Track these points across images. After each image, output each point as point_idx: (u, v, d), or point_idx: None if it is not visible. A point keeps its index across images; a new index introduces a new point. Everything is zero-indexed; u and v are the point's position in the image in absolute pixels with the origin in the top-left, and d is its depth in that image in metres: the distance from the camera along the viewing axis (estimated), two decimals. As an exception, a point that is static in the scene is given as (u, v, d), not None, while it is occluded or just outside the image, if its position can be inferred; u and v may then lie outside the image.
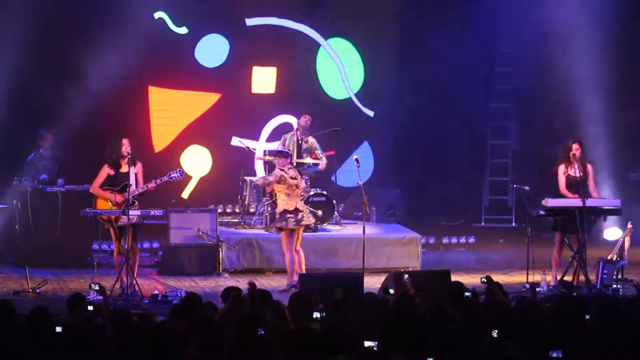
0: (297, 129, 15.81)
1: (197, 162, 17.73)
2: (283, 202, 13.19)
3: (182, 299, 9.12)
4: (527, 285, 10.95)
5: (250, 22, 17.79)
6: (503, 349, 7.36)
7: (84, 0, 16.59)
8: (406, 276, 10.95)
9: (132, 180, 12.85)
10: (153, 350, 7.37)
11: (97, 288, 10.29)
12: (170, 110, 17.69)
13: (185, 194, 17.53)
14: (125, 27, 16.81)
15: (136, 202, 12.86)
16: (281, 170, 13.23)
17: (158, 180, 12.91)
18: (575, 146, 13.48)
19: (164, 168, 15.40)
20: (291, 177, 13.26)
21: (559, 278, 13.26)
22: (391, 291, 10.20)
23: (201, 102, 17.77)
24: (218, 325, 8.01)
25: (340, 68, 18.29)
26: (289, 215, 13.16)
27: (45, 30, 16.38)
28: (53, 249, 14.76)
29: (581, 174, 13.42)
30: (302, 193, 13.74)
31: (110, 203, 12.85)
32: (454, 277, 12.57)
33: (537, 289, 12.79)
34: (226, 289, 9.36)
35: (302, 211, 13.25)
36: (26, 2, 16.36)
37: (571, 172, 13.44)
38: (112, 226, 12.82)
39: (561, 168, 13.49)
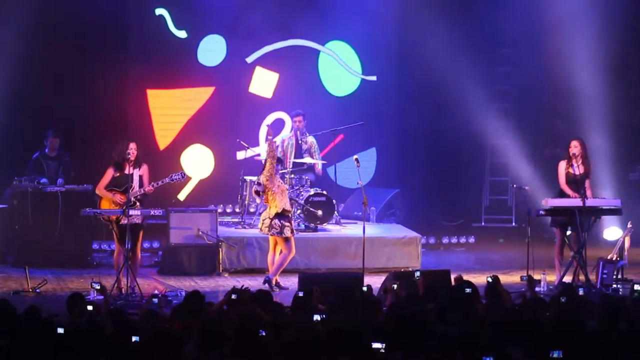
0: (295, 130, 15.81)
1: (198, 163, 17.73)
2: (281, 205, 13.17)
3: (185, 297, 9.09)
4: (525, 278, 10.94)
5: (250, 59, 17.82)
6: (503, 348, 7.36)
7: (85, 1, 16.58)
8: (417, 273, 10.91)
9: (135, 182, 12.88)
10: (153, 350, 7.37)
11: (98, 287, 10.30)
12: (170, 108, 17.71)
13: (182, 196, 17.49)
14: (125, 27, 16.83)
15: (137, 203, 12.88)
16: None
17: (155, 184, 12.95)
18: (574, 143, 13.56)
19: (169, 166, 15.44)
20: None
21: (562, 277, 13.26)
22: (395, 286, 10.18)
23: (197, 96, 17.77)
24: (218, 325, 8.02)
25: (340, 62, 18.29)
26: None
27: (46, 30, 16.41)
28: (53, 249, 14.75)
29: (581, 172, 13.46)
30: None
31: (113, 203, 12.88)
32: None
33: (537, 289, 12.81)
34: (232, 289, 9.39)
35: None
36: (27, 3, 16.37)
37: (571, 170, 13.50)
38: (113, 226, 12.84)
39: (562, 164, 13.61)
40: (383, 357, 7.15)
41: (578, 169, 13.47)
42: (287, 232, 13.19)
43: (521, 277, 11.17)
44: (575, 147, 13.53)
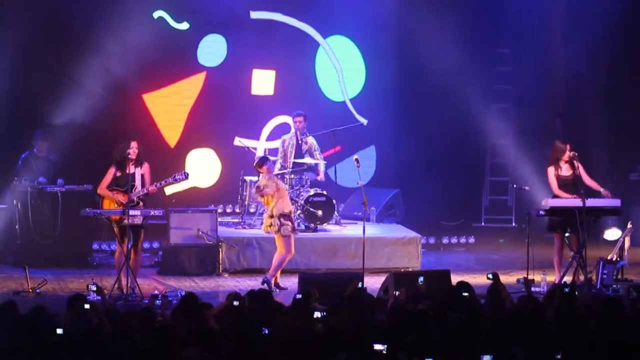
0: (296, 130, 15.82)
1: (203, 168, 17.67)
2: (279, 206, 13.18)
3: (181, 299, 9.10)
4: (522, 280, 10.91)
5: (254, 15, 17.80)
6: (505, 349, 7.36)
7: (82, 1, 16.58)
8: (421, 279, 10.86)
9: (137, 181, 12.89)
10: (152, 350, 7.37)
11: (94, 288, 10.29)
12: (173, 111, 17.70)
13: (168, 191, 17.29)
14: (123, 28, 16.82)
15: (141, 203, 12.89)
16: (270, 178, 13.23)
17: (158, 184, 12.97)
18: (568, 147, 13.47)
19: (181, 165, 15.34)
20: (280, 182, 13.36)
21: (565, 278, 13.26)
22: (397, 293, 10.16)
23: (192, 84, 17.74)
24: (216, 326, 8.02)
25: (339, 71, 18.30)
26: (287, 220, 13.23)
27: (44, 30, 16.40)
28: (53, 249, 14.75)
29: (571, 173, 13.43)
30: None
31: (115, 203, 12.88)
32: (454, 277, 12.58)
33: (537, 289, 12.81)
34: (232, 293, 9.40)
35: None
36: (23, 3, 16.36)
37: (561, 172, 13.46)
38: (114, 226, 12.85)
39: (551, 170, 13.49)
40: (385, 357, 7.16)
41: (567, 170, 13.44)
42: (286, 231, 13.16)
43: (517, 280, 11.11)
44: (569, 150, 13.45)
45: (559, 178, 13.46)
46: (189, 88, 17.74)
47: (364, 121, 18.27)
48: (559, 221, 13.40)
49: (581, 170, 13.41)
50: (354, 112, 18.32)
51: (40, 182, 14.94)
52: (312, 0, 18.04)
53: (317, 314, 8.50)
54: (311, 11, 18.00)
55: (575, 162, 13.38)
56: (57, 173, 15.20)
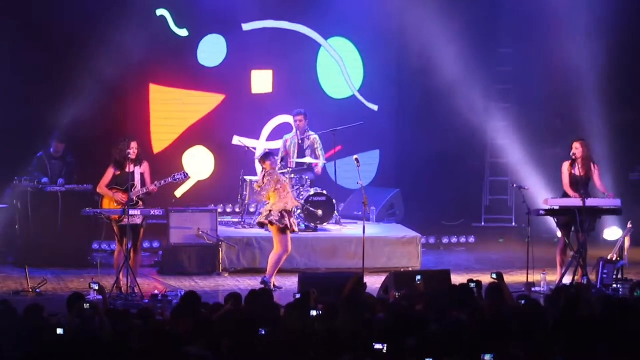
0: (296, 130, 15.81)
1: (199, 164, 17.68)
2: (281, 203, 13.16)
3: (181, 298, 9.11)
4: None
5: (246, 27, 17.79)
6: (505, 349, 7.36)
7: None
8: (418, 278, 10.85)
9: (137, 180, 12.89)
10: (152, 350, 7.37)
11: (96, 288, 10.30)
12: (172, 110, 17.67)
13: (178, 193, 17.41)
14: (126, 24, 16.82)
15: (140, 202, 12.88)
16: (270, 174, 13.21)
17: (158, 183, 12.98)
18: (575, 145, 13.55)
19: (164, 169, 15.37)
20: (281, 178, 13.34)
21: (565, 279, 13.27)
22: (397, 295, 10.15)
23: (204, 103, 17.74)
24: (216, 326, 8.02)
25: (342, 65, 18.28)
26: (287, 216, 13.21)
27: (46, 26, 16.40)
28: (53, 249, 14.74)
29: (583, 173, 13.45)
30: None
31: (115, 203, 12.88)
32: (454, 277, 12.59)
33: (537, 289, 12.82)
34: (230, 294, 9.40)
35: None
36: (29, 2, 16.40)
37: (574, 171, 13.49)
38: (114, 226, 12.85)
39: (565, 165, 13.62)
40: (385, 357, 7.16)
41: (579, 171, 13.47)
42: (285, 222, 13.08)
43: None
44: (576, 149, 13.53)
45: (570, 175, 13.51)
46: (199, 103, 17.70)
47: (375, 107, 18.28)
48: (564, 220, 13.44)
49: (595, 173, 13.48)
50: (363, 100, 18.31)
51: (41, 182, 14.94)
52: (311, 2, 18.03)
53: (313, 312, 8.51)
54: (309, 14, 17.98)
55: (593, 165, 13.47)
56: (72, 174, 15.18)
